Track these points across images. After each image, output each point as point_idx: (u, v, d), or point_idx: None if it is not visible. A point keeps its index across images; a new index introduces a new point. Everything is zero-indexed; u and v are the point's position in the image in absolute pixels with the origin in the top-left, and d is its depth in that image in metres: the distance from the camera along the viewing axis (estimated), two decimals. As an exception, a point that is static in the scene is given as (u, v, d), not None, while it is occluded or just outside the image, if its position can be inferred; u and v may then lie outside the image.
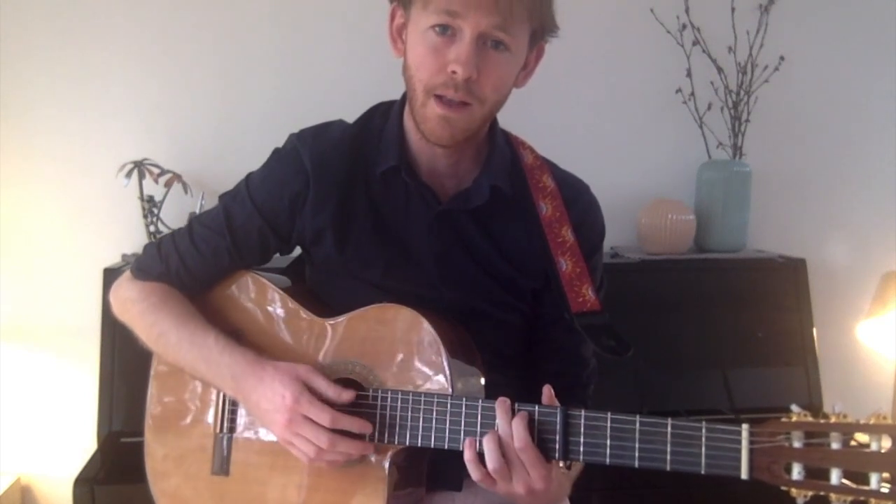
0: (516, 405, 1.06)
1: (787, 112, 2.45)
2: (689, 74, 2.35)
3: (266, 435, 1.22)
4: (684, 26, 2.32)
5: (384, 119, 1.27)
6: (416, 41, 1.13)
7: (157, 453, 1.30)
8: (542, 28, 1.17)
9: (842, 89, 2.49)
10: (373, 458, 1.15)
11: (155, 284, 1.29)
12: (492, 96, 1.15)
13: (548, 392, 1.08)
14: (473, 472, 1.07)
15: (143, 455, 1.31)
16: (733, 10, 2.33)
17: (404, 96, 1.26)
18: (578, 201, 1.30)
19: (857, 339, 2.41)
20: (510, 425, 1.04)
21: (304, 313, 1.25)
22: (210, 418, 1.27)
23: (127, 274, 1.33)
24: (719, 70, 2.34)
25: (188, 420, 1.29)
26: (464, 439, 1.08)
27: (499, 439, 1.05)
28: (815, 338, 2.27)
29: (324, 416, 1.11)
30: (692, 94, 2.35)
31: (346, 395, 1.13)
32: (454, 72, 1.09)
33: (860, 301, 2.38)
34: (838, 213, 2.53)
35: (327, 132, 1.26)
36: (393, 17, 1.20)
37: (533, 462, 1.03)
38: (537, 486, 1.04)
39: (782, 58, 2.33)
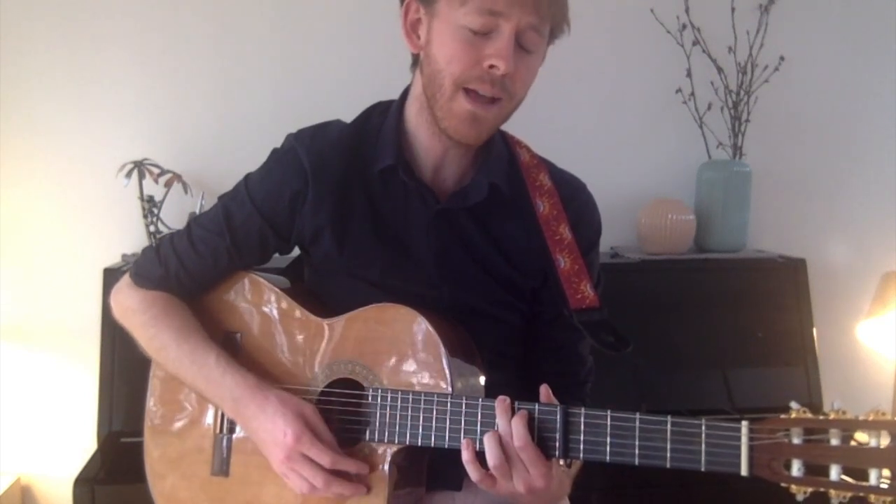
0: (516, 404, 1.06)
1: (787, 112, 2.45)
2: (689, 74, 2.35)
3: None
4: (684, 26, 2.32)
5: (382, 118, 1.27)
6: (448, 35, 1.12)
7: (157, 454, 1.30)
8: (557, 30, 1.18)
9: (842, 89, 2.49)
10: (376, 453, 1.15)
11: (156, 294, 1.28)
12: (520, 93, 1.16)
13: (545, 391, 1.08)
14: (472, 472, 1.07)
15: (143, 455, 1.31)
16: (733, 10, 2.33)
17: (403, 95, 1.27)
18: (575, 199, 1.30)
19: (857, 339, 2.41)
20: (510, 424, 1.04)
21: (303, 314, 1.25)
22: (209, 419, 1.27)
23: (127, 279, 1.33)
24: (719, 70, 2.34)
25: (188, 421, 1.29)
26: (464, 438, 1.08)
27: (499, 438, 1.05)
28: (815, 338, 2.26)
29: (324, 458, 1.12)
30: (692, 94, 2.36)
31: (343, 461, 1.14)
32: (493, 66, 1.10)
33: (860, 301, 2.38)
34: (838, 213, 2.53)
35: (325, 132, 1.26)
36: (407, 13, 1.19)
37: (533, 460, 1.03)
38: (538, 484, 1.04)
39: (782, 58, 2.33)
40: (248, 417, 1.18)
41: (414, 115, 1.23)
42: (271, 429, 1.14)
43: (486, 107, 1.13)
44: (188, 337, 1.24)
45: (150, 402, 1.32)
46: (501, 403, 1.06)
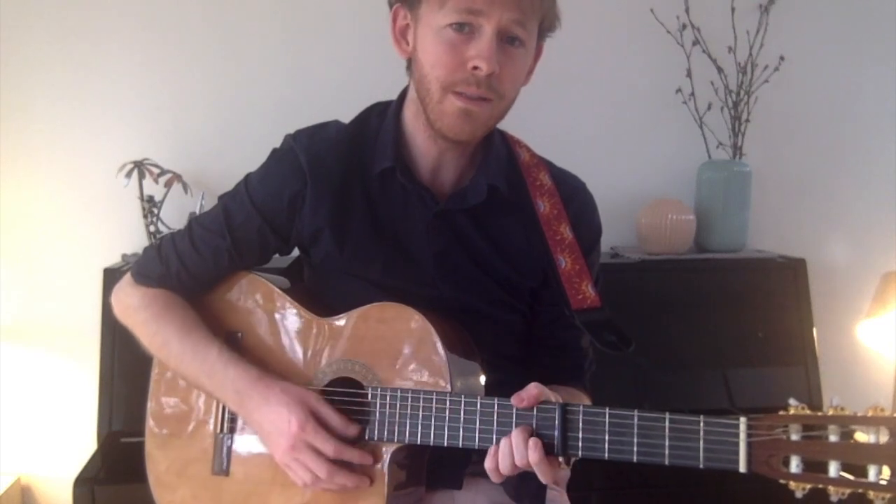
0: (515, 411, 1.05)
1: (787, 112, 2.45)
2: (689, 74, 2.35)
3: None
4: (684, 26, 2.32)
5: (380, 119, 1.27)
6: (431, 39, 1.12)
7: (157, 455, 1.30)
8: (548, 25, 1.18)
9: (842, 89, 2.49)
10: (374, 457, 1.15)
11: (157, 291, 1.28)
12: (510, 92, 1.16)
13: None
14: (495, 478, 1.06)
15: (144, 460, 1.31)
16: (733, 10, 2.33)
17: (401, 97, 1.26)
18: (574, 199, 1.30)
19: (857, 339, 2.41)
20: (527, 457, 1.02)
21: (303, 313, 1.25)
22: (210, 419, 1.27)
23: (128, 278, 1.32)
24: (719, 70, 2.34)
25: (188, 422, 1.29)
26: (463, 436, 1.08)
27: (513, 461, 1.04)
28: (815, 338, 2.27)
29: (328, 447, 1.12)
30: (692, 94, 2.36)
31: (353, 430, 1.14)
32: (476, 67, 1.09)
33: (860, 301, 2.38)
34: (838, 213, 2.53)
35: (323, 132, 1.26)
36: (395, 19, 1.20)
37: (547, 471, 1.03)
38: (547, 478, 1.04)
39: (782, 58, 2.33)
40: (251, 409, 1.18)
41: (411, 118, 1.23)
42: (275, 419, 1.14)
43: (477, 103, 1.13)
44: (190, 332, 1.24)
45: (152, 405, 1.32)
46: (521, 433, 1.03)
